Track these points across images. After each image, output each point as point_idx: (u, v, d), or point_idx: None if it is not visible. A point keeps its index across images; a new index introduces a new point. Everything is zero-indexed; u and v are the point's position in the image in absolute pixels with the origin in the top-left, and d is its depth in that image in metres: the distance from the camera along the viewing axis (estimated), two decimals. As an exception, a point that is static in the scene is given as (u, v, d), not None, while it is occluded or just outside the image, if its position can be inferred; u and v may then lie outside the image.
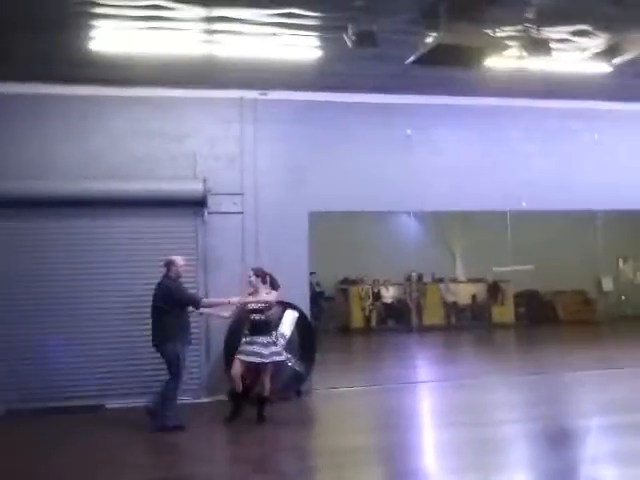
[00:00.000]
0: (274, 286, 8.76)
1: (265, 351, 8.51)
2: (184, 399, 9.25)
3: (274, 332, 8.84)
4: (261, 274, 8.79)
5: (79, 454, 7.44)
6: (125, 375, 9.60)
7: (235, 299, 8.63)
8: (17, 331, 9.40)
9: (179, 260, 8.54)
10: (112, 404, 9.49)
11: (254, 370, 8.68)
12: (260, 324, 8.60)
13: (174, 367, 8.26)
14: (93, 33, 7.79)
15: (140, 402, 8.75)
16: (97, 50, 8.20)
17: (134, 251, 9.74)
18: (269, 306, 8.66)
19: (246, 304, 8.64)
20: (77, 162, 9.69)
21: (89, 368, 9.52)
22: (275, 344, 8.69)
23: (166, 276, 8.49)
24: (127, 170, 9.80)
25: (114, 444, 7.79)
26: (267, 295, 8.65)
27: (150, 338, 8.41)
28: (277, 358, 8.68)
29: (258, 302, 8.60)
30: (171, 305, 8.30)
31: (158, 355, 8.44)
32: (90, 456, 7.36)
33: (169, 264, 8.49)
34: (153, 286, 8.54)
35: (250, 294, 8.71)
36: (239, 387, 8.58)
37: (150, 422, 8.20)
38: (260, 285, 8.71)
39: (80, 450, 7.59)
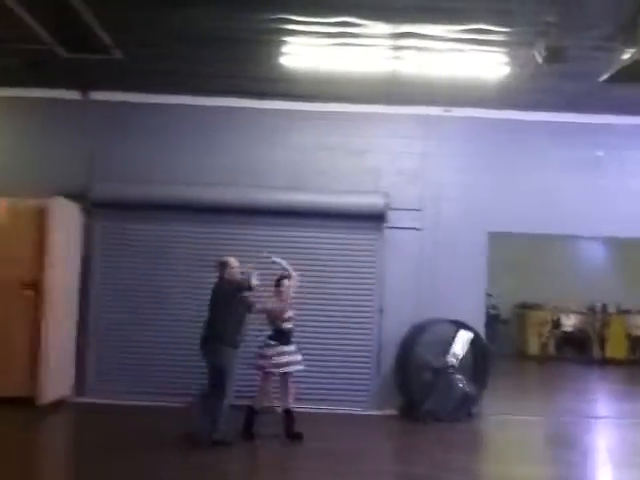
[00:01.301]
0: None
1: (298, 357, 8.18)
2: (354, 410, 9.38)
3: None
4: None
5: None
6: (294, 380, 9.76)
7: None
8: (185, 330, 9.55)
9: (233, 262, 8.03)
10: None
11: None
12: (290, 332, 8.19)
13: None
14: (284, 49, 8.09)
15: (308, 407, 9.04)
16: (287, 66, 8.51)
17: (313, 261, 9.91)
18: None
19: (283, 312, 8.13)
20: (264, 172, 10.08)
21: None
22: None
23: (220, 278, 8.02)
24: (311, 182, 10.07)
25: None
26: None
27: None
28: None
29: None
30: (231, 307, 7.84)
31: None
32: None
33: (224, 265, 8.02)
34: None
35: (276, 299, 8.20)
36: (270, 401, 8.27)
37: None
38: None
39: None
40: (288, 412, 8.09)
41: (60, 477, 7.07)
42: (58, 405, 9.06)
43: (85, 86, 9.97)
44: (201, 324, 8.05)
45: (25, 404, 8.50)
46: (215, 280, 8.10)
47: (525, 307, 18.47)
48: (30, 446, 7.75)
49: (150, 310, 9.86)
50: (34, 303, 8.89)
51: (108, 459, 7.01)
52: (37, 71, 9.02)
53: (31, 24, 7.36)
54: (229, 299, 7.83)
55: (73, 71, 9.12)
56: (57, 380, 9.01)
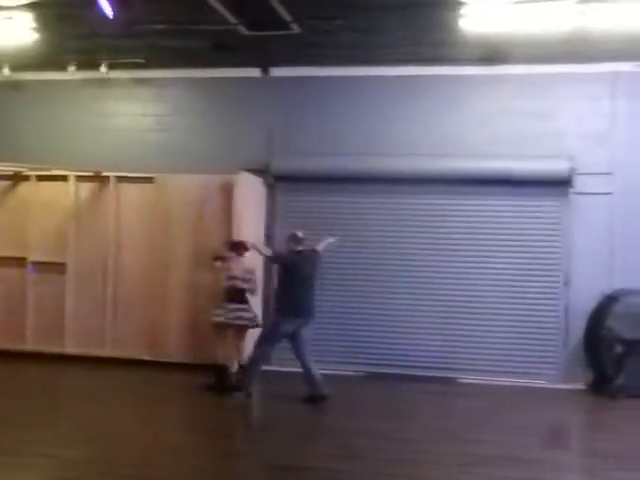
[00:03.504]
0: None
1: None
2: (539, 383, 9.15)
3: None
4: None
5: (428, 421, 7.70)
6: (476, 351, 9.72)
7: None
8: (375, 300, 9.98)
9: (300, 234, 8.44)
10: (464, 379, 9.67)
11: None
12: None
13: None
14: (463, 11, 7.87)
15: (491, 379, 9.04)
16: (466, 29, 8.27)
17: (496, 230, 9.75)
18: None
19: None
20: (442, 141, 9.89)
21: (444, 342, 9.81)
22: None
23: (298, 251, 8.36)
24: (492, 148, 9.74)
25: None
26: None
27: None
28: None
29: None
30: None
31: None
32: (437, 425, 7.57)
33: (300, 239, 8.38)
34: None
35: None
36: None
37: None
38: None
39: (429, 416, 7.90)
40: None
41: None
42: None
43: (265, 63, 10.24)
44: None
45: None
46: (292, 251, 8.36)
47: None
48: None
49: (332, 282, 9.98)
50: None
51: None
52: (221, 51, 9.33)
53: (215, 5, 7.65)
54: (316, 269, 8.41)
55: (254, 49, 9.39)
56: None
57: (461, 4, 7.65)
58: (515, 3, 7.56)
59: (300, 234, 8.43)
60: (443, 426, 7.49)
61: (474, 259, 9.79)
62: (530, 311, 9.64)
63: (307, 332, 8.37)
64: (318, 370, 8.28)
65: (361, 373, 9.88)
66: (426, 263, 9.92)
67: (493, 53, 9.25)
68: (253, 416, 8.36)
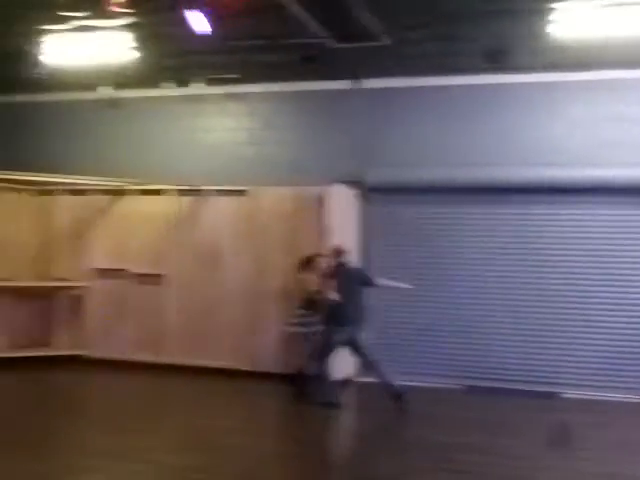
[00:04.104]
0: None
1: None
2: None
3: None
4: None
5: (531, 436, 7.54)
6: (579, 365, 9.49)
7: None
8: (472, 312, 9.88)
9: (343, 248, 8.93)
10: (567, 393, 9.43)
11: None
12: None
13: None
14: (552, 17, 7.73)
15: (595, 394, 8.84)
16: (557, 35, 8.11)
17: (594, 239, 9.54)
18: None
19: None
20: (535, 149, 9.71)
21: (543, 355, 9.60)
22: None
23: (342, 264, 8.80)
24: (597, 156, 9.44)
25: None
26: None
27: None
28: None
29: None
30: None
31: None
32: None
33: (343, 252, 8.86)
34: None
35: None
36: None
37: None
38: None
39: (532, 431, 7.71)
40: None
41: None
42: (346, 383, 9.50)
43: (355, 75, 10.29)
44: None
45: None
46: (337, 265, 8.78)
47: None
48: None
49: (426, 294, 9.95)
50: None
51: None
52: (310, 64, 9.45)
53: (305, 20, 7.76)
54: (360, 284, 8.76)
55: (344, 61, 9.46)
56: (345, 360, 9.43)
57: (550, 10, 7.52)
58: (605, 7, 7.38)
59: (342, 247, 8.89)
60: (546, 442, 7.27)
61: (573, 270, 9.59)
62: (636, 323, 9.35)
63: (364, 338, 8.59)
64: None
65: (459, 386, 9.75)
66: (524, 274, 9.74)
67: (586, 58, 9.03)
68: (346, 427, 8.42)
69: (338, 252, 8.87)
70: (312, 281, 9.06)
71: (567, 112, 9.74)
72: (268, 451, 6.92)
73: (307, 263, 9.19)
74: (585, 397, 9.28)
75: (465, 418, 8.28)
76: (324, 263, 9.09)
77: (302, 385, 8.84)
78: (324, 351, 8.61)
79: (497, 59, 8.91)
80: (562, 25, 7.81)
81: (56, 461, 6.21)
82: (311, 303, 9.03)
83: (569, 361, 9.51)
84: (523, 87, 9.83)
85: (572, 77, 9.62)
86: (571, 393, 9.39)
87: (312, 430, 7.88)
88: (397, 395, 8.37)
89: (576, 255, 9.58)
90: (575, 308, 9.54)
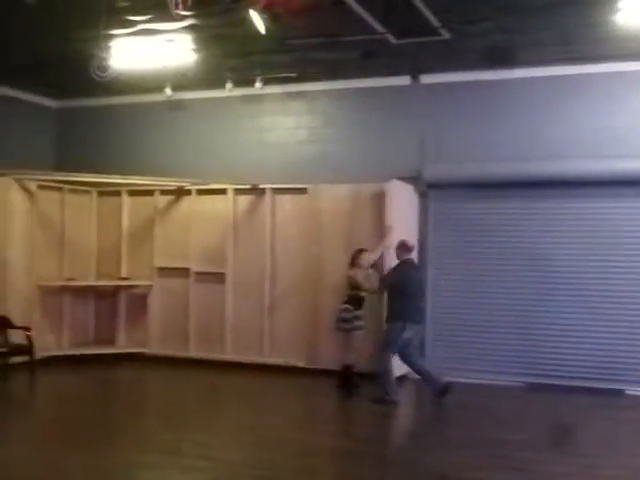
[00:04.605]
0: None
1: None
2: None
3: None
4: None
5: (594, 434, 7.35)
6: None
7: None
8: (530, 308, 9.70)
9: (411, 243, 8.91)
10: (632, 390, 9.18)
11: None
12: None
13: None
14: (619, 5, 7.53)
15: None
16: (623, 23, 7.90)
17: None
18: None
19: None
20: (601, 141, 9.45)
21: (609, 352, 9.34)
22: None
23: (405, 260, 8.69)
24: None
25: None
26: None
27: None
28: None
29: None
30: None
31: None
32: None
33: (409, 247, 8.75)
34: None
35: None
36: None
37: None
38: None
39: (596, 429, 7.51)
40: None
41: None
42: (401, 379, 9.43)
43: (414, 70, 10.22)
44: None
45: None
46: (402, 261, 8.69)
47: None
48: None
49: (486, 290, 9.83)
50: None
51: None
52: (370, 61, 9.42)
53: (363, 16, 7.73)
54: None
55: (403, 57, 9.40)
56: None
57: (618, -2, 7.33)
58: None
59: (410, 243, 8.77)
60: (612, 440, 7.15)
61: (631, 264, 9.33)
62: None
63: (416, 337, 8.87)
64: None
65: (520, 384, 9.58)
66: (588, 270, 9.48)
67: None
68: (403, 423, 8.37)
69: (405, 248, 8.75)
70: (358, 276, 9.00)
71: (634, 103, 9.44)
72: (327, 447, 6.90)
73: (354, 259, 9.14)
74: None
75: (526, 416, 8.15)
76: (369, 259, 9.06)
77: (349, 382, 8.89)
78: (386, 348, 8.54)
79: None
80: (629, 13, 7.61)
81: (116, 456, 6.28)
82: (356, 299, 8.99)
83: (636, 357, 9.23)
84: (583, 78, 9.58)
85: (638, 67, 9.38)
86: (636, 390, 9.15)
87: (370, 427, 7.85)
88: (445, 387, 8.42)
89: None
90: None
